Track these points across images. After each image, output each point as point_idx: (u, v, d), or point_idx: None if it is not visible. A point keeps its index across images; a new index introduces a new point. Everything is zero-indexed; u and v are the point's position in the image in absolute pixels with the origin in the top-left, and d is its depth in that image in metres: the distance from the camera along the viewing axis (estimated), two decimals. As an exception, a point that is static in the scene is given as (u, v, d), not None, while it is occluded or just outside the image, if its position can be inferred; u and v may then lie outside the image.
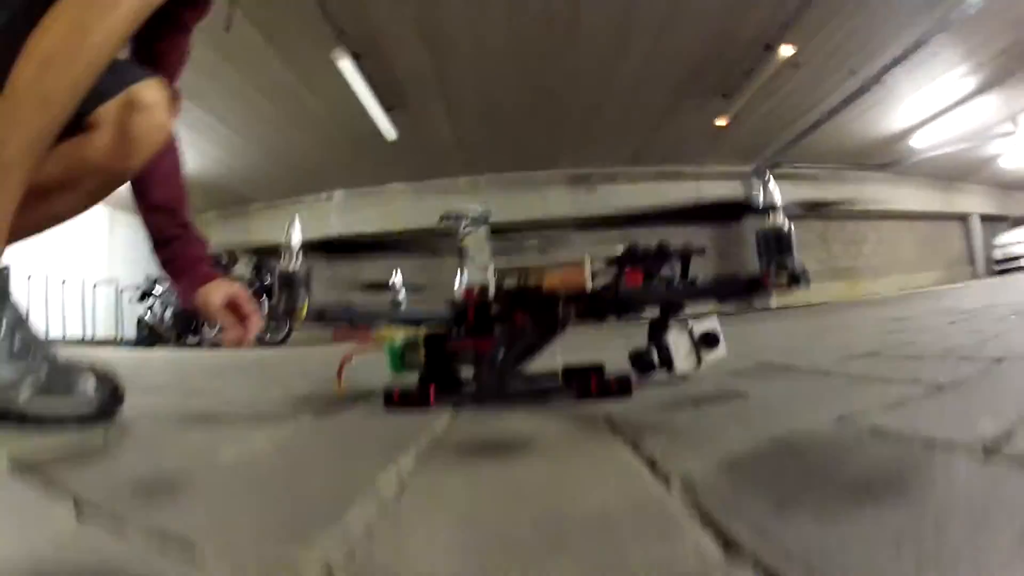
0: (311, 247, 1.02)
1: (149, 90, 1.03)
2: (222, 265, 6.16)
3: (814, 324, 2.64)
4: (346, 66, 4.93)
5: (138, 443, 0.83)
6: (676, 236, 1.13)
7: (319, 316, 1.01)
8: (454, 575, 0.32)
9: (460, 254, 1.09)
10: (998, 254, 10.27)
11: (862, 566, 0.31)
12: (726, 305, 0.93)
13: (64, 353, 0.99)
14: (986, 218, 11.17)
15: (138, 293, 7.28)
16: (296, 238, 1.01)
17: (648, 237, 1.06)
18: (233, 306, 1.20)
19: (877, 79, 5.93)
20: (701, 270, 1.04)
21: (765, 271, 0.84)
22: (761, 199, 0.86)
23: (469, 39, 4.89)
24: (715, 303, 0.95)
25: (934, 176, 9.88)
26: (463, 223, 1.10)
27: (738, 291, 0.87)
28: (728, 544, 0.36)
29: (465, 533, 0.40)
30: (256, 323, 1.21)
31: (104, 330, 8.17)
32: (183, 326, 6.61)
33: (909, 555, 0.33)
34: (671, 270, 1.04)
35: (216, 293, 1.19)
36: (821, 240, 8.99)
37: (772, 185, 0.86)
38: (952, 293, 5.03)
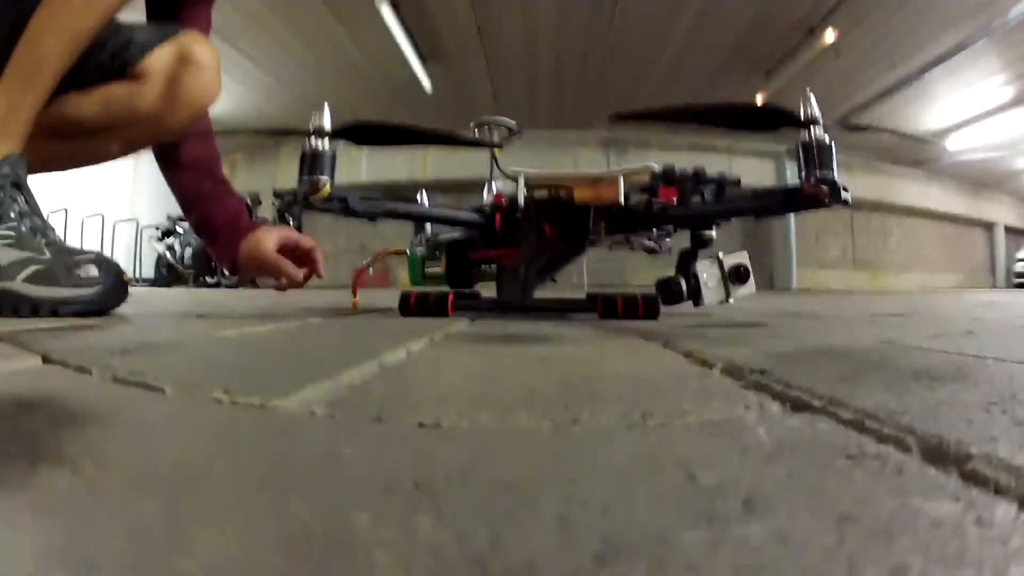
0: (339, 134, 0.97)
1: (202, 47, 1.02)
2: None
3: (838, 300, 2.60)
4: (387, 13, 4.83)
5: (134, 324, 0.80)
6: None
7: (343, 207, 0.95)
8: (466, 423, 0.27)
9: (491, 163, 1.05)
10: (1019, 267, 10.10)
11: (956, 425, 0.26)
12: (764, 218, 0.87)
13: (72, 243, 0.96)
14: (1011, 230, 10.99)
15: (159, 232, 7.30)
16: (326, 123, 0.96)
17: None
18: (288, 248, 1.15)
19: (917, 75, 5.81)
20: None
21: (805, 182, 0.78)
22: (803, 112, 0.81)
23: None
24: (753, 219, 0.90)
25: (964, 180, 9.73)
26: (496, 131, 1.06)
27: (777, 206, 0.82)
28: (793, 405, 0.31)
29: (482, 387, 0.35)
30: (319, 255, 1.16)
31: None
32: (202, 266, 6.62)
33: (1003, 416, 0.28)
34: (706, 198, 1.00)
35: (267, 239, 1.13)
36: (847, 229, 8.87)
37: (812, 100, 0.81)
38: (976, 293, 4.96)
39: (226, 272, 6.36)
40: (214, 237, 1.17)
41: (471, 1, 4.83)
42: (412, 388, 0.34)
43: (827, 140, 0.81)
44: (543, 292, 0.98)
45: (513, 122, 1.07)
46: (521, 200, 0.96)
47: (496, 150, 1.07)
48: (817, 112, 0.82)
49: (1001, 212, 10.81)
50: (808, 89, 0.86)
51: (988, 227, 10.79)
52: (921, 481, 0.20)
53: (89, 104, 0.98)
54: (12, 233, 0.89)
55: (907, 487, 0.19)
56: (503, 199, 0.99)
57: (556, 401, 0.31)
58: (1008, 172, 9.35)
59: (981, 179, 9.77)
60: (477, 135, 1.08)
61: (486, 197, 1.05)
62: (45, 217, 0.96)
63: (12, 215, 0.90)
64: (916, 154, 8.58)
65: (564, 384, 0.36)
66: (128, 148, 1.09)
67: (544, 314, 0.97)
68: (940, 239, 9.99)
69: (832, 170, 0.79)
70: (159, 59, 0.99)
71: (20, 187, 0.92)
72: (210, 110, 1.16)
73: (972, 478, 0.20)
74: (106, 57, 0.95)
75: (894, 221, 9.37)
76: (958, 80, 6.02)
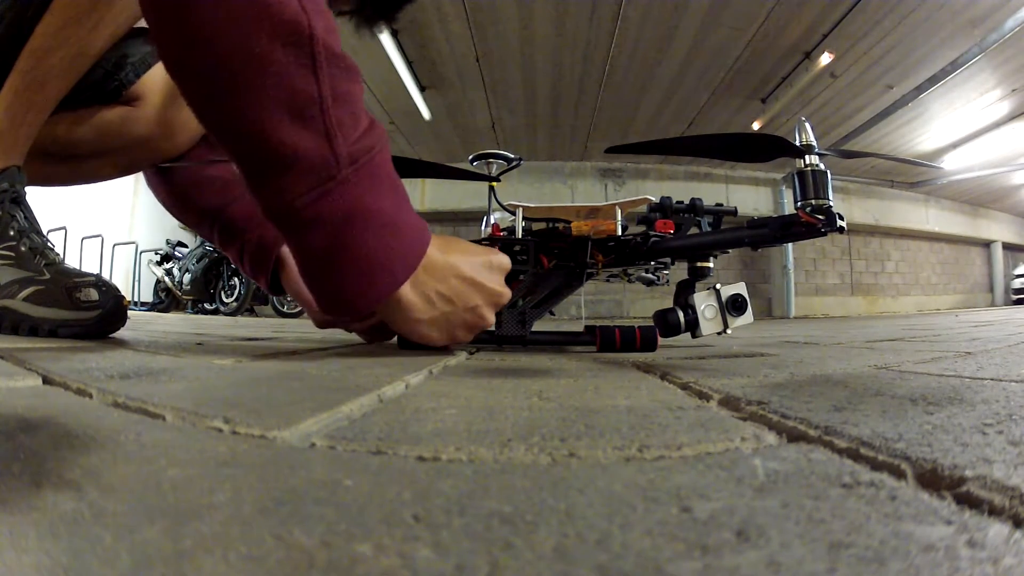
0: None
1: None
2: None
3: (836, 326, 2.60)
4: (386, 41, 4.85)
5: (133, 349, 0.79)
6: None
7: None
8: (465, 456, 0.27)
9: (489, 196, 1.06)
10: (1017, 283, 10.13)
11: (951, 449, 0.27)
12: (763, 246, 0.88)
13: (70, 264, 0.96)
14: (1009, 247, 11.01)
15: (158, 256, 7.31)
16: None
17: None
18: None
19: (913, 96, 5.84)
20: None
21: (801, 211, 0.79)
22: (798, 140, 0.81)
23: (513, 23, 4.81)
24: (751, 249, 0.90)
25: (961, 199, 9.77)
26: (494, 164, 1.07)
27: (774, 235, 0.82)
28: (789, 435, 0.31)
29: (480, 420, 0.35)
30: None
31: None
32: (201, 292, 6.62)
33: (999, 437, 0.29)
34: (703, 229, 1.00)
35: None
36: (844, 255, 8.88)
37: (808, 127, 0.82)
38: (975, 313, 4.97)
39: (224, 299, 6.40)
40: (242, 245, 1.05)
41: (470, 31, 4.86)
42: (411, 421, 0.34)
43: (822, 167, 0.81)
44: (541, 324, 0.98)
45: (511, 155, 1.08)
46: (519, 233, 0.97)
47: (494, 183, 1.08)
48: (812, 139, 0.82)
49: (999, 230, 10.83)
50: (803, 117, 0.87)
51: (986, 245, 10.79)
52: (915, 507, 0.20)
53: (82, 130, 0.95)
54: (11, 253, 0.89)
55: (900, 513, 0.19)
56: (501, 232, 1.00)
57: (554, 434, 0.31)
58: (1005, 189, 9.37)
59: (978, 197, 9.80)
60: (475, 168, 1.08)
61: (484, 230, 1.06)
62: (44, 234, 0.95)
63: (11, 233, 0.90)
64: (913, 176, 8.61)
65: (562, 417, 0.36)
66: (124, 171, 1.06)
67: (542, 347, 0.98)
68: (938, 260, 9.99)
69: (828, 198, 0.80)
70: (155, 79, 0.96)
71: (19, 203, 0.91)
72: None
73: (966, 501, 0.20)
74: (99, 76, 0.92)
75: (892, 244, 9.38)
76: (954, 98, 6.05)
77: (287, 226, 0.64)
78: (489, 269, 0.79)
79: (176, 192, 1.11)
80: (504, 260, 0.82)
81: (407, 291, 0.71)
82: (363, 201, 0.63)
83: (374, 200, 0.64)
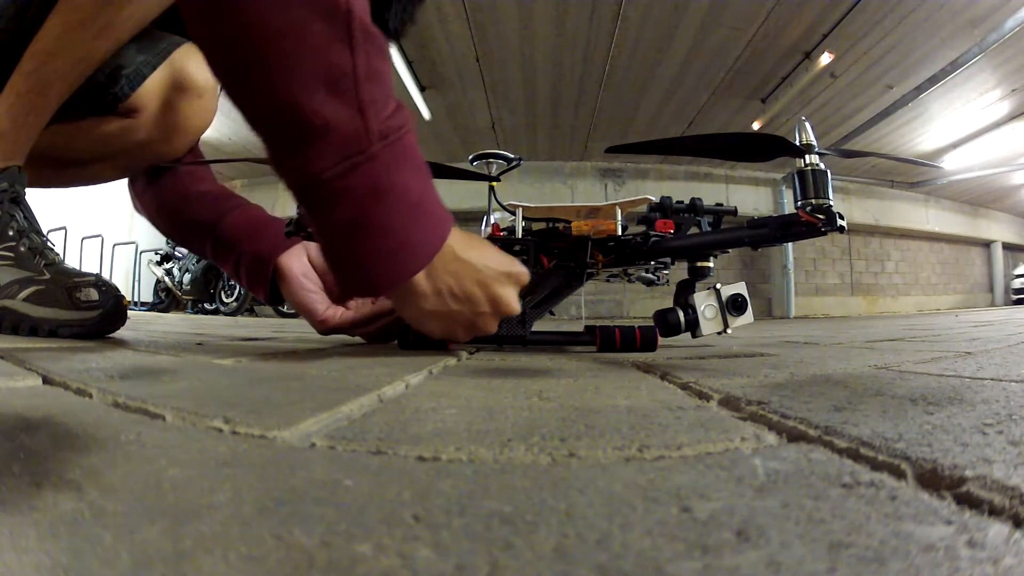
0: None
1: (197, 68, 0.96)
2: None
3: (836, 326, 2.59)
4: (385, 41, 4.82)
5: (132, 349, 0.79)
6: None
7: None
8: (465, 456, 0.27)
9: (489, 196, 1.06)
10: (1017, 283, 10.13)
11: (951, 449, 0.27)
12: (763, 246, 0.87)
13: (70, 264, 0.96)
14: (1009, 247, 10.99)
15: (158, 256, 7.30)
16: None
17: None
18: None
19: (913, 96, 5.83)
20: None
21: (801, 211, 0.78)
22: (798, 139, 0.81)
23: (513, 23, 4.80)
24: (751, 249, 0.90)
25: (961, 199, 9.76)
26: (494, 164, 1.07)
27: (774, 235, 0.82)
28: (789, 435, 0.31)
29: (480, 420, 0.35)
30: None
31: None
32: (201, 292, 6.61)
33: (999, 437, 0.29)
34: (703, 229, 1.00)
35: (302, 257, 1.00)
36: (844, 254, 8.88)
37: (808, 127, 0.82)
38: (975, 313, 4.97)
39: (224, 299, 6.41)
40: (252, 260, 1.01)
41: (470, 31, 4.86)
42: (411, 421, 0.34)
43: (822, 167, 0.81)
44: (541, 324, 0.98)
45: (511, 155, 1.08)
46: (519, 233, 0.97)
47: (494, 182, 1.08)
48: (812, 139, 0.82)
49: (999, 230, 10.82)
50: (803, 116, 0.86)
51: (986, 245, 10.79)
52: (915, 507, 0.20)
53: (81, 141, 0.95)
54: (11, 254, 0.89)
55: (900, 513, 0.19)
56: (501, 232, 1.00)
57: (554, 434, 0.31)
58: (1005, 188, 9.36)
59: (978, 197, 9.79)
60: (475, 168, 1.08)
61: (484, 230, 1.06)
62: (44, 234, 0.95)
63: (11, 233, 0.90)
64: (913, 176, 8.61)
65: (562, 417, 0.36)
66: (124, 173, 1.07)
67: (542, 347, 0.98)
68: (938, 260, 9.98)
69: (828, 197, 0.79)
70: (151, 89, 0.94)
71: (19, 203, 0.91)
72: (207, 134, 1.11)
73: (966, 501, 0.20)
74: (95, 86, 0.90)
75: (892, 244, 9.37)
76: (954, 98, 6.03)
77: (313, 199, 0.63)
78: (508, 279, 0.78)
79: (168, 207, 1.10)
80: (524, 273, 0.80)
81: (421, 279, 0.70)
82: (391, 178, 0.62)
83: (401, 178, 0.64)
